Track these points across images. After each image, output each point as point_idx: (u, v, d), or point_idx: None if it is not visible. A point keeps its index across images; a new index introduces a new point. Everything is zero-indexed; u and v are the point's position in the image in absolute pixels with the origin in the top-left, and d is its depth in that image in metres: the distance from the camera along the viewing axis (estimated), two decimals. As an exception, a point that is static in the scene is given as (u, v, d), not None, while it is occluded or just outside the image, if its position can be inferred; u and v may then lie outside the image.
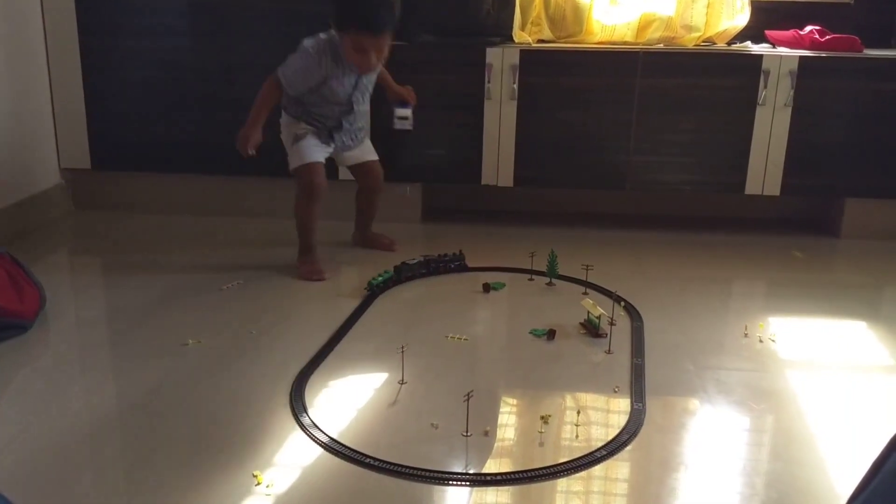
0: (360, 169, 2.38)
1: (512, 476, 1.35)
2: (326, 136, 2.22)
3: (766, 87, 2.50)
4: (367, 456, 1.38)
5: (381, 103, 2.46)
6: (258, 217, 2.69)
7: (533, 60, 2.54)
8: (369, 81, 2.22)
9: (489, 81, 2.54)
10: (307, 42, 2.10)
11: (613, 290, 2.06)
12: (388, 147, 2.62)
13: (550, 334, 1.87)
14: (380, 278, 2.13)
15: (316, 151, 2.19)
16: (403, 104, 2.34)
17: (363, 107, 2.26)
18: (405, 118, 2.32)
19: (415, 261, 2.22)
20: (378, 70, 2.22)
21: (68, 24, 2.59)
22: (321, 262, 2.24)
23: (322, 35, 2.10)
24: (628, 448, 1.44)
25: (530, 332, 1.90)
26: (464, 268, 2.28)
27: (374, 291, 2.10)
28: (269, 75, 2.12)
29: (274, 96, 2.13)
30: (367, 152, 2.37)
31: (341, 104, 2.17)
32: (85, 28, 2.60)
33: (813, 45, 2.57)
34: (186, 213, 2.75)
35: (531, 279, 2.24)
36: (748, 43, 2.65)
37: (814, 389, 1.68)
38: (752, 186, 2.60)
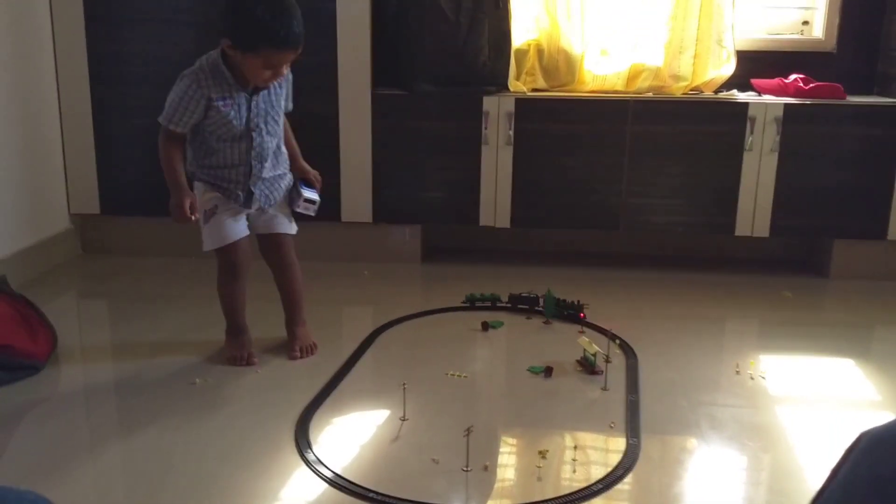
0: (265, 241, 1.99)
1: (511, 509, 1.39)
2: (240, 199, 1.90)
3: (752, 133, 2.60)
4: (371, 490, 1.42)
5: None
6: (261, 258, 2.75)
7: (528, 108, 2.63)
8: (269, 103, 1.86)
9: (486, 128, 2.64)
10: (184, 72, 1.85)
11: (609, 329, 2.12)
12: (390, 189, 2.71)
13: (548, 371, 1.92)
14: (479, 295, 2.29)
15: (232, 227, 1.89)
16: (309, 186, 1.96)
17: (272, 141, 1.89)
18: (312, 202, 1.94)
19: (533, 295, 2.29)
20: (282, 87, 1.91)
21: (80, 72, 2.69)
22: (252, 345, 1.98)
23: (198, 61, 1.84)
24: (624, 482, 1.49)
25: (528, 370, 1.95)
26: (576, 318, 2.21)
27: (471, 304, 2.30)
28: (160, 133, 1.89)
29: (173, 150, 1.85)
30: (279, 223, 1.98)
31: (240, 137, 1.84)
32: (96, 77, 2.70)
33: (797, 92, 2.67)
34: (192, 255, 2.80)
35: (529, 318, 2.30)
36: (734, 91, 2.75)
37: (803, 425, 1.73)
38: (742, 228, 2.68)
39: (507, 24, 2.64)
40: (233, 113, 1.82)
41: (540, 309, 2.29)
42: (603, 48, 2.77)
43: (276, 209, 1.98)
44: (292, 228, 2.00)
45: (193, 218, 1.82)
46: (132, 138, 2.75)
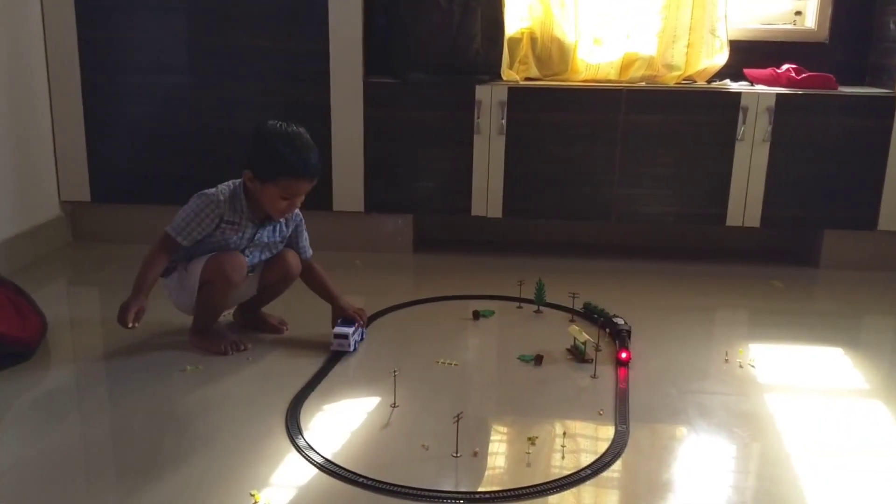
0: (273, 259, 2.03)
1: (500, 494, 1.40)
2: None
3: (744, 123, 2.60)
4: (361, 476, 1.43)
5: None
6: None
7: (520, 97, 2.63)
8: (272, 239, 1.98)
9: (479, 117, 2.63)
10: (203, 191, 1.92)
11: (599, 318, 2.13)
12: (382, 179, 2.71)
13: (538, 360, 1.93)
14: (596, 307, 2.18)
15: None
16: (346, 322, 1.99)
17: (253, 264, 1.99)
18: (343, 337, 1.94)
19: (610, 316, 2.11)
20: (289, 228, 2.01)
21: (70, 61, 2.67)
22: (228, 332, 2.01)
23: (219, 186, 1.92)
24: (613, 469, 1.50)
25: (518, 358, 1.96)
26: (616, 338, 2.02)
27: (587, 312, 2.20)
28: (159, 238, 1.92)
29: (162, 259, 1.90)
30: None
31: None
32: (87, 65, 2.68)
33: (789, 82, 2.67)
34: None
35: (520, 307, 2.30)
36: (727, 81, 2.76)
37: (791, 412, 1.74)
38: (733, 218, 2.69)
39: (500, 12, 2.64)
40: (234, 238, 1.92)
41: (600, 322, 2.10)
42: (596, 37, 2.77)
43: None
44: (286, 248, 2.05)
45: (131, 326, 1.82)
46: (123, 125, 2.74)
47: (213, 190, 1.92)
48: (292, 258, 2.02)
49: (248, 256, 1.96)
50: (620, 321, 2.07)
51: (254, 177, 1.87)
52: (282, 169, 1.85)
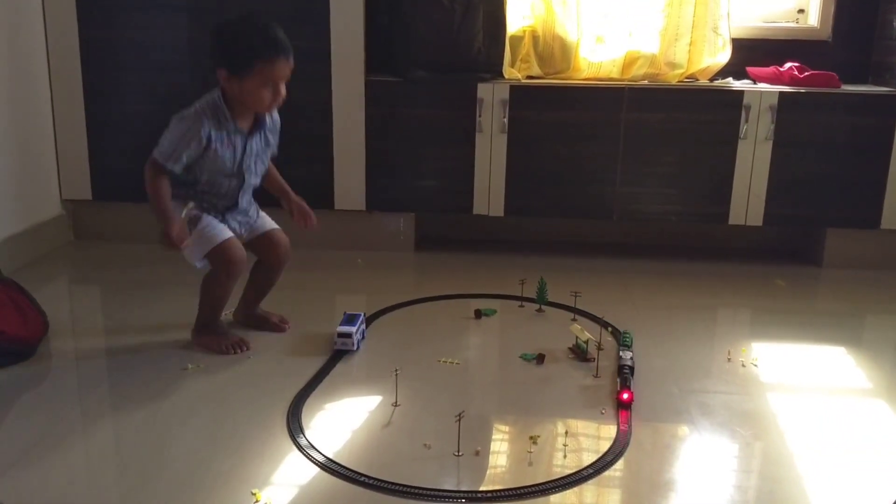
0: (262, 241, 2.01)
1: (502, 493, 1.40)
2: (219, 218, 1.92)
3: (747, 121, 2.60)
4: (362, 475, 1.43)
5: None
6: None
7: (522, 95, 2.63)
8: (261, 146, 1.93)
9: (480, 115, 2.63)
10: (181, 112, 1.85)
11: (601, 317, 2.13)
12: (383, 178, 2.70)
13: (540, 359, 1.93)
14: (628, 338, 1.99)
15: (221, 227, 1.90)
16: (349, 321, 1.98)
17: (258, 180, 1.96)
18: (347, 336, 1.93)
19: (628, 352, 1.89)
20: (275, 128, 1.97)
21: (72, 60, 2.67)
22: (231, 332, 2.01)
23: (196, 103, 1.85)
24: (615, 468, 1.49)
25: (520, 357, 1.95)
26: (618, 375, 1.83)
27: (621, 343, 1.99)
28: (148, 167, 1.84)
29: (164, 182, 1.83)
30: (266, 223, 2.03)
31: (231, 175, 1.89)
32: (88, 64, 2.68)
33: (792, 81, 2.67)
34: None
35: (521, 305, 2.30)
36: (730, 79, 2.75)
37: (793, 411, 1.74)
38: (736, 217, 2.68)
39: (502, 10, 2.63)
40: (228, 154, 1.86)
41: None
42: (598, 35, 2.77)
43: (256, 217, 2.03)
44: (276, 225, 2.05)
45: (183, 245, 1.82)
46: (124, 124, 2.74)
47: (191, 110, 1.83)
48: (280, 237, 2.01)
49: (246, 173, 1.90)
50: (627, 355, 1.88)
51: (229, 75, 1.79)
52: (251, 53, 1.76)
